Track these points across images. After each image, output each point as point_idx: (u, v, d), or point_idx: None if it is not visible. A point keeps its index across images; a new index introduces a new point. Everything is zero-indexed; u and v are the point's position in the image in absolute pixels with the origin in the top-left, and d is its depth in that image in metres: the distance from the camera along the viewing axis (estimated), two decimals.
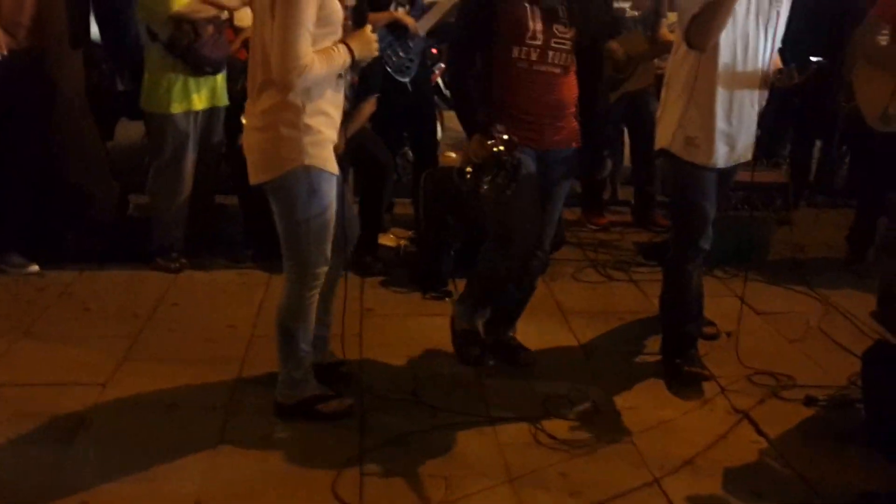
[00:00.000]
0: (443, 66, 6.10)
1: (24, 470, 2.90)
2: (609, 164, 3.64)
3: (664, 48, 4.43)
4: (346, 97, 3.08)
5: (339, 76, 2.97)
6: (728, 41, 3.29)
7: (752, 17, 3.33)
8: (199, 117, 4.53)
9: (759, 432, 3.28)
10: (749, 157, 3.59)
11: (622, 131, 5.64)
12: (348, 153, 3.27)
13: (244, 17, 4.56)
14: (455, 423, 3.26)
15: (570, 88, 3.38)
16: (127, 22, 4.71)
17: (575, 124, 3.43)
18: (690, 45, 3.28)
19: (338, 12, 2.90)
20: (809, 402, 3.48)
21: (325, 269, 3.12)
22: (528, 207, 3.36)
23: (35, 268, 4.58)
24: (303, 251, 3.04)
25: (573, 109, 3.41)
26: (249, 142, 3.01)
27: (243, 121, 3.13)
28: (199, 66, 4.37)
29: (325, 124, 2.94)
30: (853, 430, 3.27)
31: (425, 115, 5.04)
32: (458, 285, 4.37)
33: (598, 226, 5.58)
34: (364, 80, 3.77)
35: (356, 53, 2.94)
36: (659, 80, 4.69)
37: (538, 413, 3.35)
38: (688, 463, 3.06)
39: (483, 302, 3.64)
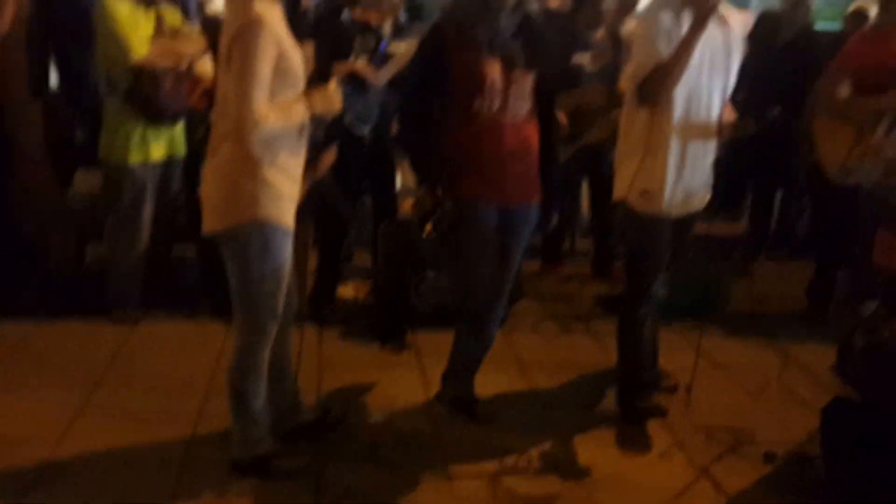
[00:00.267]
0: None
1: None
2: (555, 218, 3.66)
3: (622, 101, 4.47)
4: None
5: (301, 131, 2.94)
6: (682, 94, 3.33)
7: (705, 69, 3.38)
8: (156, 167, 4.49)
9: (718, 488, 3.26)
10: (704, 204, 3.66)
11: (580, 183, 5.67)
12: (307, 204, 3.25)
13: (204, 66, 4.55)
14: (412, 480, 3.20)
15: (533, 139, 3.36)
16: (86, 71, 4.67)
17: (537, 178, 3.42)
18: (642, 101, 3.33)
19: (298, 66, 2.88)
20: (768, 458, 3.46)
21: (276, 325, 3.07)
22: (488, 261, 3.35)
23: None
24: (253, 306, 2.99)
25: (535, 161, 3.39)
26: (206, 191, 2.98)
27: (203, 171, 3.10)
28: (158, 117, 4.34)
29: (284, 179, 2.91)
30: (813, 487, 3.26)
31: (385, 166, 5.04)
32: (418, 337, 4.33)
33: (557, 277, 5.57)
34: (323, 131, 3.78)
35: (318, 109, 2.92)
36: (617, 132, 4.71)
37: (497, 468, 3.31)
38: None
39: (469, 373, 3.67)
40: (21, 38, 4.57)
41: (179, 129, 4.54)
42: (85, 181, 4.98)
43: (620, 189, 3.53)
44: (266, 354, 3.09)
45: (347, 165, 4.74)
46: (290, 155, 2.93)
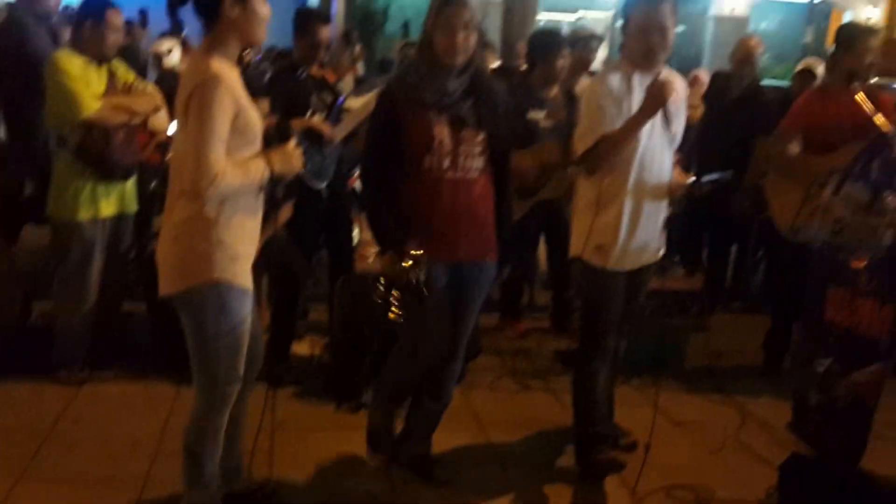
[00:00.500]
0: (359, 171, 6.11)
1: None
2: (506, 271, 3.66)
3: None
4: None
5: (259, 190, 2.90)
6: (632, 157, 3.44)
7: (655, 132, 3.46)
8: (106, 224, 4.41)
9: None
10: (658, 257, 3.76)
11: (538, 238, 5.68)
12: (262, 260, 3.20)
13: (159, 120, 4.51)
14: None
15: (486, 196, 3.35)
16: (36, 125, 4.59)
17: (492, 235, 3.40)
18: (585, 170, 3.49)
19: (255, 123, 2.86)
20: None
21: (237, 387, 3.00)
22: (438, 321, 3.32)
23: None
24: (212, 368, 2.93)
25: (490, 218, 3.38)
26: (162, 251, 2.92)
27: (155, 227, 3.05)
28: (109, 173, 4.27)
29: (240, 239, 2.86)
30: None
31: (341, 221, 5.00)
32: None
33: (516, 333, 5.55)
34: (282, 189, 3.75)
35: (276, 167, 2.88)
36: (572, 188, 4.74)
37: None
38: None
39: (392, 404, 3.62)
40: None
41: (131, 184, 4.47)
42: (32, 236, 4.88)
43: (576, 244, 3.64)
44: (225, 418, 3.03)
45: (304, 221, 4.70)
46: (247, 214, 2.89)
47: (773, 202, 4.68)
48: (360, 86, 7.70)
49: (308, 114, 4.68)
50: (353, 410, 4.28)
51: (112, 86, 4.31)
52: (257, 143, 2.88)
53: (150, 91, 4.50)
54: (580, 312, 3.87)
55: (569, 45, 5.40)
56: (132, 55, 7.02)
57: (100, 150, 4.18)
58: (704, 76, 7.72)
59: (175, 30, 7.19)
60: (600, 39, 6.46)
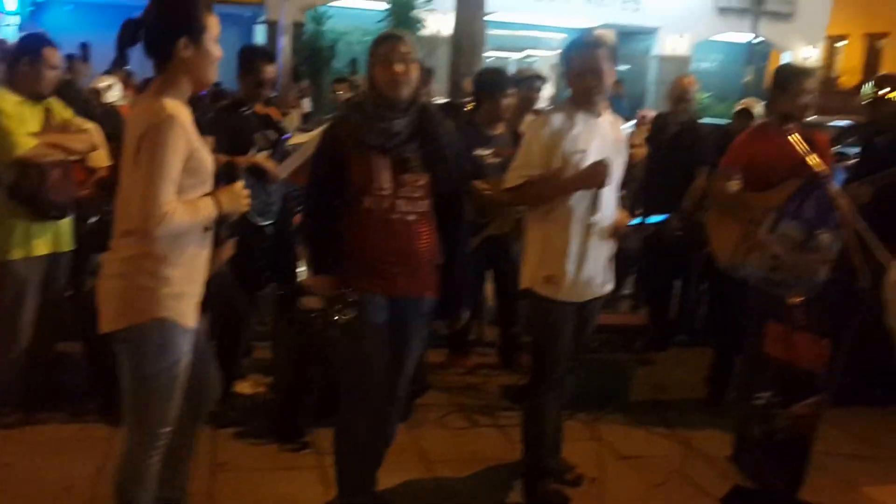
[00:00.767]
0: None
1: None
2: (465, 315, 3.68)
3: None
4: None
5: (206, 229, 2.88)
6: (578, 194, 3.54)
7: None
8: (40, 263, 4.30)
9: None
10: (605, 292, 3.85)
11: (485, 274, 5.70)
12: (204, 298, 3.16)
13: (98, 157, 4.45)
14: None
15: (426, 236, 3.37)
16: None
17: (431, 273, 3.41)
18: (511, 200, 3.64)
19: (207, 164, 2.85)
20: None
21: (169, 430, 2.93)
22: (377, 356, 3.31)
23: None
24: (147, 408, 2.87)
25: (429, 257, 3.40)
26: (105, 288, 2.86)
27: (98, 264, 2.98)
28: (43, 212, 4.18)
29: (186, 278, 2.83)
30: None
31: (286, 259, 4.97)
32: (318, 435, 4.20)
33: (464, 368, 5.54)
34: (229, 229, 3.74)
35: (225, 207, 2.87)
36: (520, 224, 4.77)
37: None
38: None
39: (358, 479, 3.50)
40: None
41: (66, 222, 4.38)
42: None
43: (526, 277, 3.74)
44: (156, 462, 2.96)
45: (247, 258, 4.65)
46: (195, 253, 2.86)
47: (713, 238, 4.76)
48: (307, 123, 7.72)
49: (252, 151, 4.66)
50: (296, 450, 4.22)
51: (48, 124, 4.24)
52: (209, 183, 2.87)
53: (89, 128, 4.44)
54: (530, 345, 3.91)
55: (514, 83, 5.47)
56: (72, 91, 6.93)
57: (34, 190, 4.09)
58: (651, 115, 7.86)
59: (117, 65, 7.14)
60: (545, 79, 6.56)
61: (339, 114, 3.52)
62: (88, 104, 6.60)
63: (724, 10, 23.05)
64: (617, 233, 3.75)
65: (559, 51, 3.86)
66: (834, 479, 4.12)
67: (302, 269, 5.77)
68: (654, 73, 22.46)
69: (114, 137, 5.07)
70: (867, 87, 5.61)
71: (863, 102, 5.52)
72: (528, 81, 6.05)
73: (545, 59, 20.38)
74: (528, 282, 3.72)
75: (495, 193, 5.12)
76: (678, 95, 6.12)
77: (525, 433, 3.87)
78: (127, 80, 7.40)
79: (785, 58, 23.16)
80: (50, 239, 4.31)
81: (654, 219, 3.97)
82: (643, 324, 5.36)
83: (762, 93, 5.34)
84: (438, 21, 18.40)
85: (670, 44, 23.15)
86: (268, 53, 5.23)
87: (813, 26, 23.81)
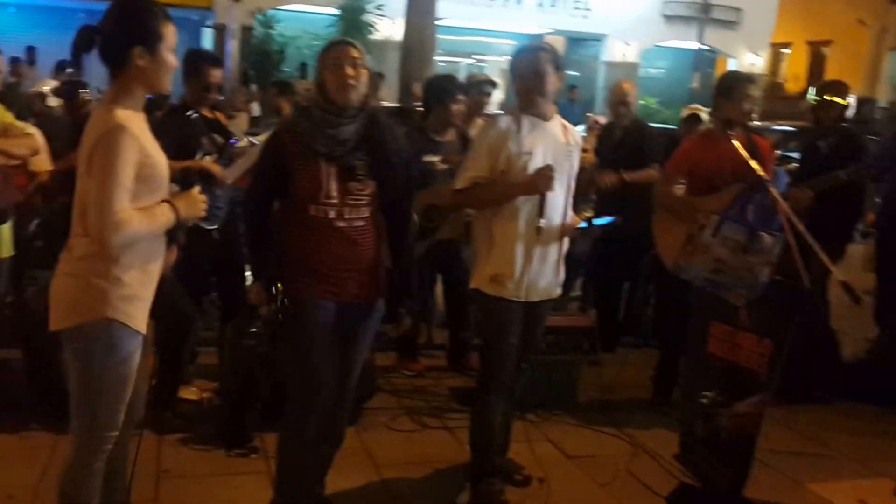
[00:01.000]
0: None
1: None
2: (407, 320, 3.69)
3: None
4: None
5: (164, 234, 2.89)
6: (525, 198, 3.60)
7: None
8: None
9: None
10: (554, 295, 3.90)
11: (434, 278, 5.71)
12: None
13: (40, 162, 4.38)
14: None
15: (372, 242, 3.36)
16: None
17: (378, 278, 3.41)
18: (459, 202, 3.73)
19: (161, 170, 2.84)
20: None
21: (115, 434, 2.90)
22: (324, 361, 3.30)
23: None
24: (93, 410, 2.83)
25: (376, 263, 3.39)
26: (56, 286, 2.84)
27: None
28: None
29: (138, 281, 2.82)
30: None
31: (233, 264, 4.92)
32: (265, 440, 4.17)
33: (413, 371, 5.55)
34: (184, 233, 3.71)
35: (181, 213, 2.86)
36: (470, 228, 4.79)
37: None
38: None
39: (301, 483, 3.48)
40: None
41: (6, 229, 4.30)
42: None
43: (474, 278, 3.78)
44: (102, 464, 2.92)
45: (193, 263, 4.60)
46: (149, 258, 2.86)
47: (659, 240, 4.83)
48: (255, 127, 7.66)
49: (199, 155, 4.62)
50: (243, 455, 4.18)
51: None
52: (164, 190, 2.87)
53: (31, 132, 4.37)
54: (480, 347, 3.94)
55: (464, 89, 5.49)
56: (14, 94, 6.83)
57: None
58: (602, 121, 7.94)
59: (62, 69, 7.04)
60: (495, 84, 6.60)
61: (285, 120, 3.49)
62: (31, 108, 6.51)
63: (670, 18, 23.40)
64: (566, 235, 3.80)
65: (508, 57, 3.92)
66: (778, 476, 4.19)
67: (249, 274, 5.74)
68: (603, 79, 22.69)
69: (53, 141, 5.03)
70: (811, 93, 5.73)
71: (807, 107, 5.65)
72: (478, 87, 6.09)
73: (495, 64, 20.46)
74: (476, 282, 3.78)
75: (444, 199, 5.15)
76: (617, 100, 6.22)
77: (472, 433, 3.90)
78: None
79: (731, 64, 23.55)
80: None
81: (602, 221, 4.01)
82: (591, 325, 5.41)
83: (708, 99, 5.43)
84: (389, 26, 18.40)
85: (618, 50, 23.42)
86: (214, 57, 5.19)
87: (758, 34, 24.27)
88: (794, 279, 3.89)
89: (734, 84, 4.72)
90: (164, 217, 2.81)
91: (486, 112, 6.07)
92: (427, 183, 5.09)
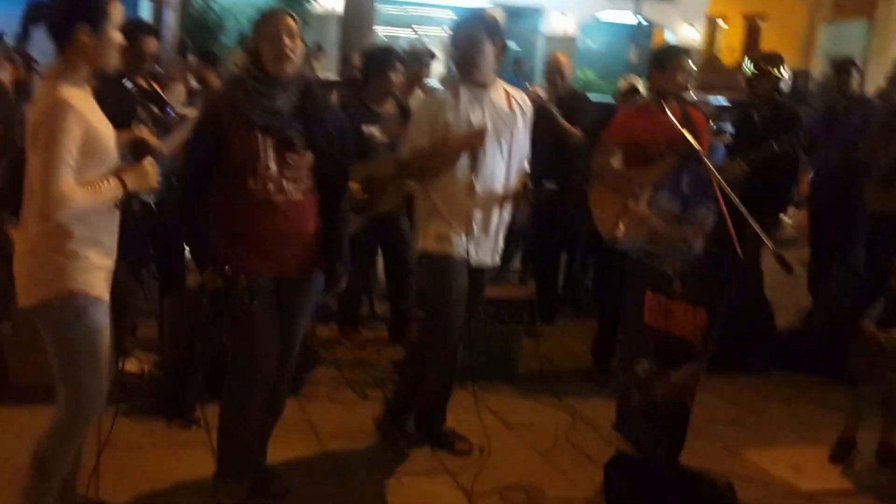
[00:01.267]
0: None
1: None
2: (343, 281, 3.71)
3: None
4: None
5: (115, 206, 2.95)
6: (464, 157, 3.71)
7: (487, 135, 3.75)
8: None
9: None
10: (497, 262, 4.03)
11: (375, 250, 5.72)
12: None
13: None
14: None
15: (311, 215, 3.35)
16: None
17: (317, 251, 3.40)
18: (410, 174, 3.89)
19: (108, 143, 2.89)
20: None
21: (100, 403, 3.01)
22: (267, 335, 3.30)
23: None
24: (76, 379, 2.94)
25: (314, 236, 3.38)
26: (17, 266, 2.93)
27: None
28: None
29: (95, 252, 2.90)
30: None
31: (171, 236, 4.86)
32: (206, 412, 4.16)
33: (354, 343, 5.56)
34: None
35: (131, 184, 2.91)
36: (409, 199, 4.81)
37: None
38: None
39: (242, 455, 3.48)
40: None
41: None
42: None
43: (420, 241, 3.89)
44: (86, 433, 3.06)
45: (130, 235, 4.53)
46: (103, 229, 2.94)
47: (596, 211, 4.90)
48: (193, 98, 7.53)
49: (134, 125, 4.53)
50: (185, 427, 4.18)
51: None
52: (111, 163, 2.91)
53: None
54: (426, 308, 4.03)
55: (403, 60, 5.48)
56: None
57: None
58: (542, 93, 7.98)
59: None
60: (434, 55, 6.60)
61: (219, 91, 3.45)
62: None
63: None
64: (509, 201, 3.89)
65: (449, 28, 3.97)
66: (714, 444, 4.30)
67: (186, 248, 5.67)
68: (541, 53, 22.72)
69: None
70: (747, 64, 5.84)
71: (742, 79, 5.75)
72: (418, 58, 6.09)
73: (435, 36, 20.37)
74: (421, 244, 3.88)
75: (383, 170, 5.14)
76: (552, 70, 6.34)
77: (404, 375, 4.11)
78: (10, 57, 7.08)
79: (668, 37, 23.78)
80: None
81: (539, 188, 4.06)
82: (530, 297, 5.48)
83: (645, 71, 5.51)
84: None
85: (558, 23, 23.46)
86: (149, 26, 5.11)
87: (694, 6, 24.51)
88: (727, 250, 3.99)
89: (668, 56, 4.80)
90: (110, 191, 2.86)
91: (426, 83, 6.08)
92: (365, 153, 5.07)
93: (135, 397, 4.38)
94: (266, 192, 3.20)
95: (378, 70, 5.28)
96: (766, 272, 5.50)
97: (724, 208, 3.70)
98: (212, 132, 3.21)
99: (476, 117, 3.74)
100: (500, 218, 3.93)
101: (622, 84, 6.63)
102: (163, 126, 4.69)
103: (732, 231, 3.62)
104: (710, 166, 3.88)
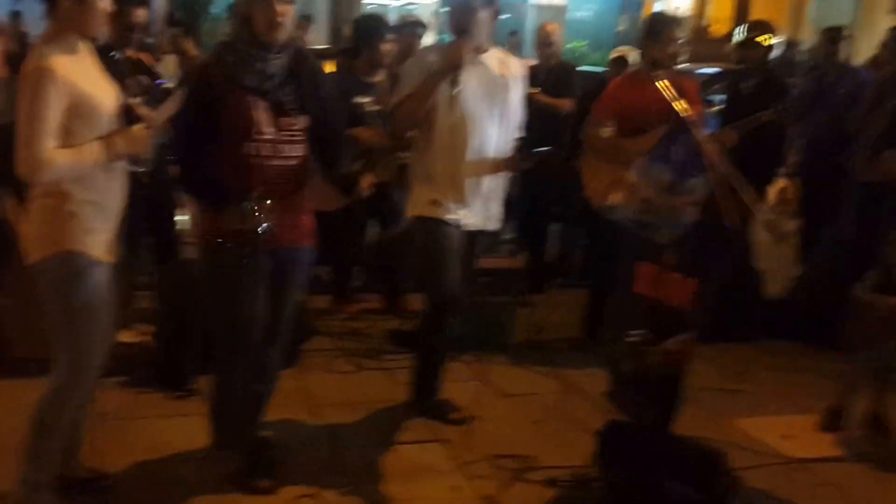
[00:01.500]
0: None
1: None
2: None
3: (404, 143, 4.58)
4: None
5: (110, 167, 2.97)
6: (456, 122, 3.78)
7: (478, 101, 3.82)
8: None
9: None
10: (491, 228, 4.07)
11: (366, 221, 5.73)
12: None
13: None
14: None
15: (303, 182, 3.35)
16: None
17: (309, 220, 3.41)
18: (391, 129, 3.93)
19: (99, 108, 2.92)
20: (552, 483, 3.60)
21: (100, 363, 3.05)
22: (252, 304, 3.28)
23: None
24: (72, 338, 2.99)
25: (307, 204, 3.39)
26: (24, 225, 3.04)
27: None
28: None
29: (93, 214, 2.95)
30: None
31: (164, 207, 4.87)
32: (203, 382, 4.18)
33: (348, 314, 5.59)
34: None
35: (120, 149, 2.95)
36: (402, 170, 4.82)
37: None
38: None
39: (235, 427, 3.51)
40: None
41: None
42: None
43: (412, 206, 3.96)
44: (84, 395, 3.10)
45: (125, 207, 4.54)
46: (102, 193, 2.98)
47: (587, 181, 4.91)
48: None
49: (124, 96, 4.52)
50: (182, 398, 4.21)
51: None
52: (103, 127, 2.94)
53: None
54: (419, 273, 4.08)
55: (394, 30, 5.46)
56: None
57: None
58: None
59: None
60: (425, 26, 6.57)
61: (210, 55, 3.40)
62: None
63: None
64: (503, 166, 3.93)
65: None
66: (706, 412, 4.33)
67: (180, 218, 5.67)
68: (531, 22, 22.59)
69: None
70: (739, 32, 5.84)
71: (732, 48, 5.76)
72: (409, 28, 6.06)
73: (426, 6, 20.20)
74: (413, 209, 3.94)
75: (376, 140, 5.14)
76: (542, 41, 6.35)
77: (423, 341, 4.14)
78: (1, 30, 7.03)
79: (657, 7, 23.64)
80: None
81: (533, 152, 4.07)
82: (522, 267, 5.51)
83: (636, 41, 5.50)
84: None
85: None
86: None
87: None
88: (718, 219, 4.02)
89: (660, 26, 4.79)
90: (93, 154, 2.89)
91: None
92: (357, 125, 5.07)
93: (132, 369, 4.41)
94: (260, 158, 3.18)
95: (368, 40, 5.26)
96: (756, 241, 5.54)
97: (716, 178, 3.73)
98: (204, 94, 3.17)
99: (468, 83, 3.76)
100: (494, 183, 3.95)
101: (613, 54, 6.62)
102: (153, 97, 4.67)
103: (726, 200, 3.65)
104: (702, 136, 3.91)
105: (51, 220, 2.92)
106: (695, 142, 4.01)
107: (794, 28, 21.98)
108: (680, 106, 3.97)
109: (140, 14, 4.71)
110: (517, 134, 4.03)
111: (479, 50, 3.85)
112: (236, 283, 3.24)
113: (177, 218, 5.16)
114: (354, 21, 5.88)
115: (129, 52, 4.68)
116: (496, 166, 3.93)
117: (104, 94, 2.97)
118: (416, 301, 5.04)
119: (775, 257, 5.34)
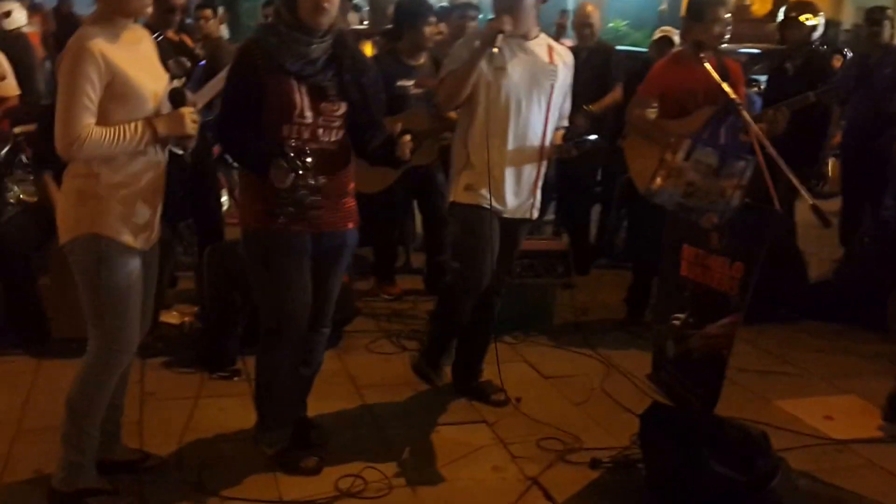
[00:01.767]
0: None
1: None
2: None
3: (447, 125, 4.57)
4: None
5: (148, 150, 2.95)
6: (500, 108, 3.75)
7: (523, 88, 3.77)
8: None
9: (548, 497, 3.36)
10: (530, 216, 4.02)
11: (411, 203, 5.73)
12: None
13: (7, 87, 4.31)
14: None
15: (345, 166, 3.35)
16: None
17: (352, 203, 3.41)
18: (437, 107, 3.90)
19: (140, 90, 2.90)
20: (595, 464, 3.59)
21: (128, 348, 3.05)
22: (297, 289, 3.30)
23: None
24: (102, 321, 2.99)
25: (350, 187, 3.39)
26: (58, 205, 3.06)
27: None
28: None
29: (123, 197, 2.93)
30: (637, 490, 3.40)
31: (208, 188, 4.91)
32: (247, 363, 4.23)
33: (391, 295, 5.61)
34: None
35: (162, 130, 2.93)
36: (444, 153, 4.81)
37: (332, 494, 3.28)
38: None
39: (280, 409, 3.52)
40: None
41: None
42: None
43: (451, 192, 3.92)
44: (112, 379, 3.07)
45: (167, 188, 4.58)
46: (136, 173, 2.95)
47: (632, 164, 4.87)
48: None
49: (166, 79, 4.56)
50: (226, 379, 4.25)
51: None
52: (145, 109, 2.93)
53: None
54: (456, 256, 4.05)
55: (446, 13, 5.43)
56: None
57: None
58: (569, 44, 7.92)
59: None
60: (478, 7, 6.54)
61: (253, 36, 3.38)
62: None
63: None
64: (547, 156, 3.91)
65: None
66: (747, 393, 4.33)
67: (224, 199, 5.73)
68: (573, 3, 22.37)
69: (17, 65, 4.93)
70: (783, 12, 5.75)
71: (774, 28, 5.67)
72: (461, 10, 6.02)
73: None
74: (452, 195, 3.90)
75: (419, 123, 5.13)
76: (581, 22, 6.30)
77: (435, 315, 4.20)
78: (33, 7, 7.10)
79: None
80: None
81: (578, 141, 4.03)
82: (565, 249, 5.48)
83: (678, 22, 5.43)
84: None
85: None
86: None
87: None
88: (764, 202, 3.96)
89: (704, 7, 4.72)
90: (131, 135, 2.88)
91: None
92: (400, 107, 5.06)
93: (176, 350, 4.48)
94: (301, 141, 3.17)
95: (411, 22, 5.24)
96: (799, 223, 5.47)
97: (761, 160, 3.67)
98: (247, 74, 3.16)
99: (513, 67, 3.72)
100: (537, 171, 3.92)
101: (657, 34, 6.54)
102: (195, 79, 4.71)
103: (770, 184, 3.60)
104: (748, 117, 3.84)
105: (79, 201, 2.92)
106: (742, 124, 3.94)
107: (836, 8, 21.58)
108: (726, 87, 3.91)
109: None
110: (563, 122, 3.99)
111: (528, 36, 3.80)
112: (282, 266, 3.25)
113: (220, 199, 5.22)
114: (397, 3, 5.85)
115: (170, 34, 4.71)
116: (539, 154, 3.89)
117: (150, 77, 2.96)
118: None
119: (817, 240, 5.28)
